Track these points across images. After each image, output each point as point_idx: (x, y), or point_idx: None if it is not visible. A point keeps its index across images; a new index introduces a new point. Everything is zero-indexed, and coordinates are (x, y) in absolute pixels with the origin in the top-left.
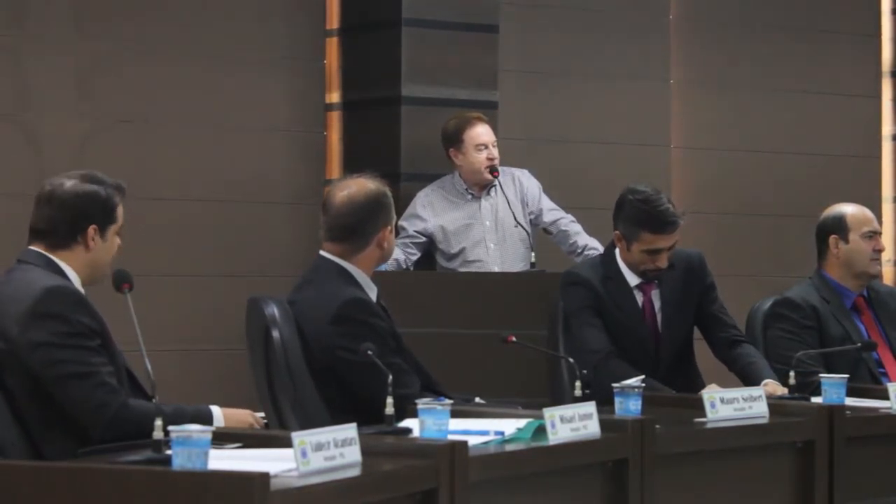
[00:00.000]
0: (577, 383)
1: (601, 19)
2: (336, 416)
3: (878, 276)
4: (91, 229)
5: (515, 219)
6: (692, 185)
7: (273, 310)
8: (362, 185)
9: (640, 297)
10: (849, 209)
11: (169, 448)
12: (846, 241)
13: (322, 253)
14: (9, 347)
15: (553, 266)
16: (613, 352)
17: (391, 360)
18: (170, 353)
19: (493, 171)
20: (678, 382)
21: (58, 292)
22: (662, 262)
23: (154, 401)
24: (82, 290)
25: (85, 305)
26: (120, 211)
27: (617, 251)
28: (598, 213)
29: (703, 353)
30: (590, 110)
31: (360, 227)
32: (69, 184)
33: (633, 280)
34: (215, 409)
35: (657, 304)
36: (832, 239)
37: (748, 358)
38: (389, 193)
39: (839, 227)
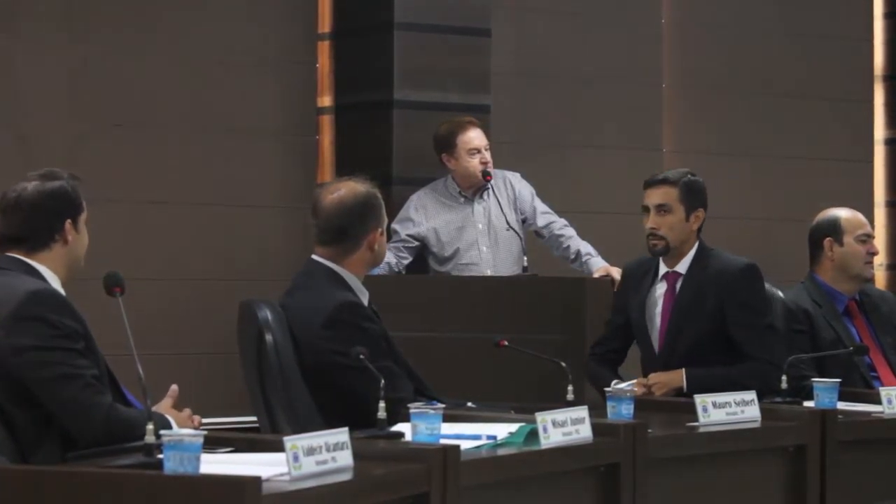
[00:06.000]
0: (569, 387)
1: (593, 22)
2: (328, 420)
3: (871, 279)
4: (67, 224)
5: (507, 222)
6: None
7: (266, 313)
8: (352, 188)
9: (662, 289)
10: (843, 213)
11: (161, 452)
12: (840, 243)
13: (313, 257)
14: None
15: (545, 270)
16: (595, 354)
17: (383, 363)
18: (161, 356)
19: (485, 174)
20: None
21: (41, 296)
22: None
23: (148, 403)
24: (62, 292)
25: (68, 308)
26: (83, 201)
27: None
28: (590, 217)
29: None
30: (582, 114)
31: (350, 229)
32: (32, 186)
33: (663, 268)
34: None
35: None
36: (826, 242)
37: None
38: (379, 195)
39: (834, 229)
